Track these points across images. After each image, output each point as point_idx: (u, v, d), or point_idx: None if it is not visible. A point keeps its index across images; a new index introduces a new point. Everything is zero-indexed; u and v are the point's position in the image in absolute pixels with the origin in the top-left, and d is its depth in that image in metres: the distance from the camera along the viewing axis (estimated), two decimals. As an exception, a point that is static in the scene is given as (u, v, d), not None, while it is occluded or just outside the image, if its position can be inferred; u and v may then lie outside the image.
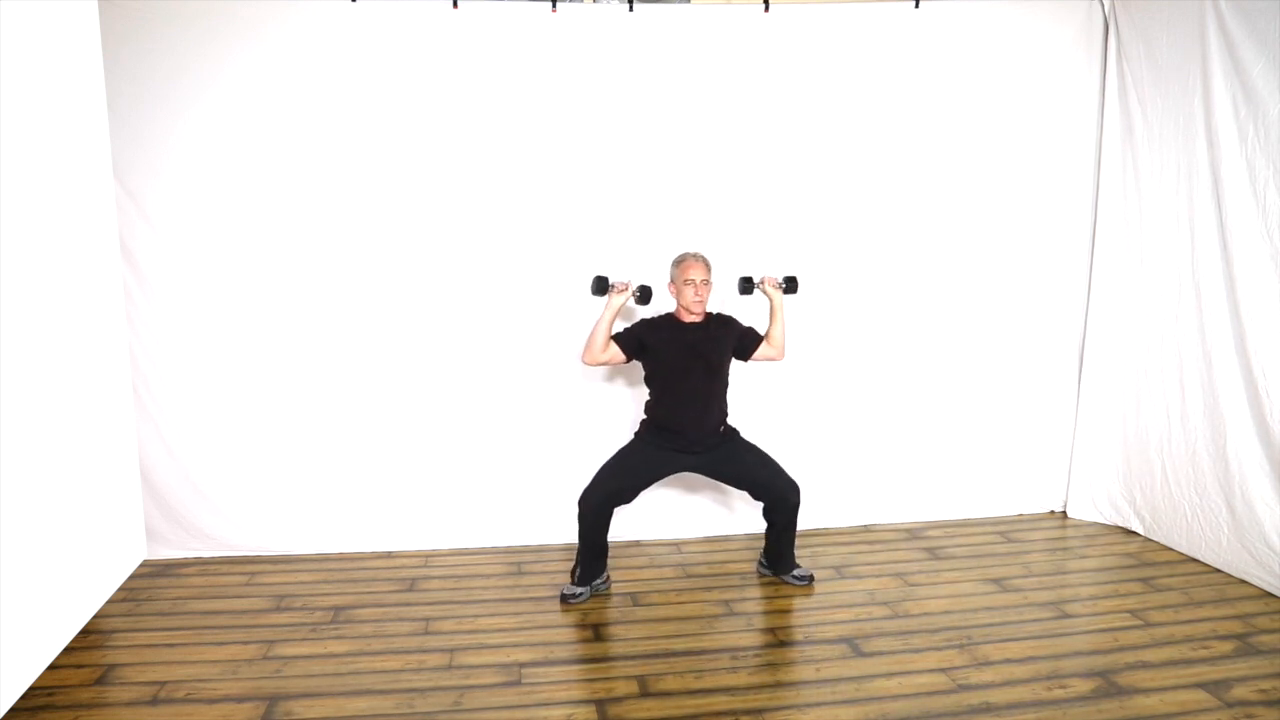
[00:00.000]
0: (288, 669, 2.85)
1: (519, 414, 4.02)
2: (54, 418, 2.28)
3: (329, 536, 3.93)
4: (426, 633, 3.12)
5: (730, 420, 3.54)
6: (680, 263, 3.43)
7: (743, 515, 4.08)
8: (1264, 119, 3.29)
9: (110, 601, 3.17)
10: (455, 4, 3.78)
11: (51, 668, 2.71)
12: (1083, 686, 2.68)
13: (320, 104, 3.76)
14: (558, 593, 3.43)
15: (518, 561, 3.83)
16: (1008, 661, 2.85)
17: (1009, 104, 4.12)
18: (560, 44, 3.86)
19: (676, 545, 4.02)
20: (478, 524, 4.01)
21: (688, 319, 3.42)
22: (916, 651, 2.93)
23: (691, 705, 2.60)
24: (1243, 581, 3.43)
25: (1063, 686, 2.68)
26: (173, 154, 3.69)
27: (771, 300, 3.53)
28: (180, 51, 3.64)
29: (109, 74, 2.97)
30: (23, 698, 2.50)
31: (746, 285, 3.56)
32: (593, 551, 3.40)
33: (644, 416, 3.52)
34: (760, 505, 3.52)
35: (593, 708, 2.59)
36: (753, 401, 3.85)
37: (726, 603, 3.38)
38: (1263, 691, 2.61)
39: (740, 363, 3.56)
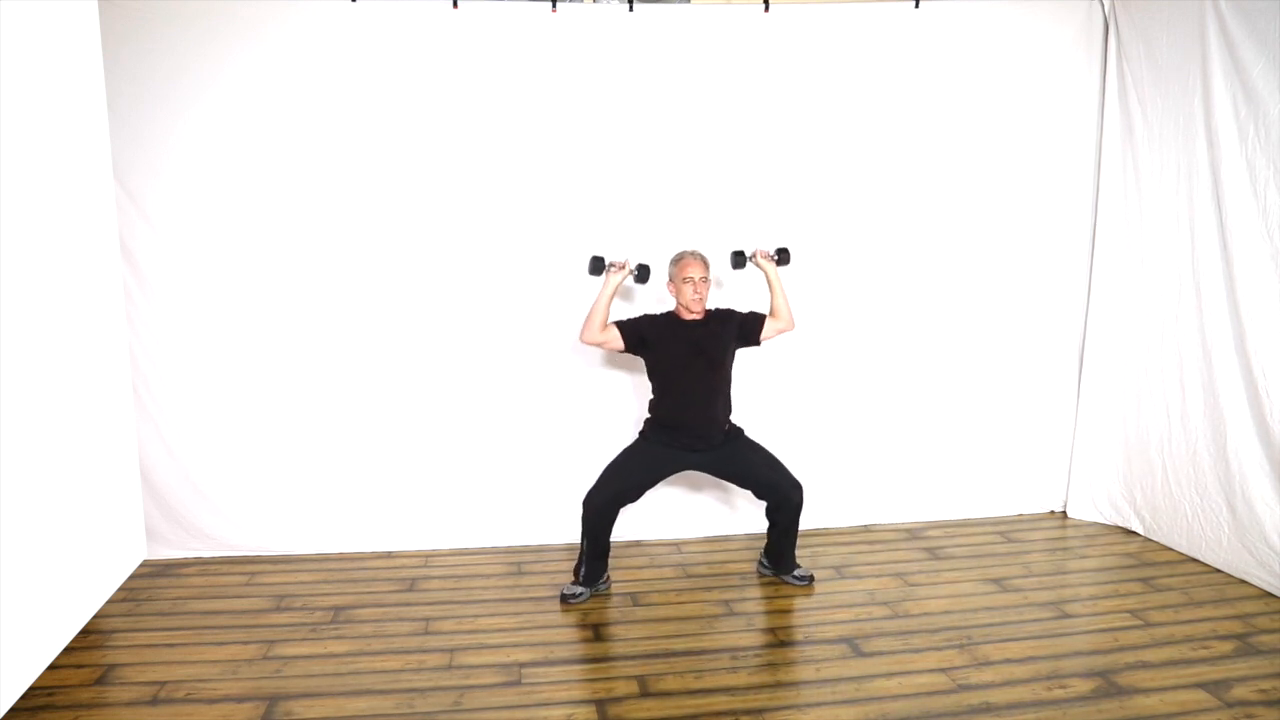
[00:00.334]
0: (288, 669, 2.85)
1: (519, 413, 4.02)
2: (54, 418, 2.28)
3: (329, 536, 3.93)
4: (426, 633, 3.12)
5: (733, 419, 3.54)
6: (678, 261, 3.43)
7: (743, 515, 4.08)
8: (1264, 119, 3.29)
9: (110, 601, 3.17)
10: (455, 4, 3.78)
11: (51, 668, 2.70)
12: (1083, 686, 2.68)
13: (320, 104, 3.76)
14: (558, 593, 3.43)
15: (518, 561, 3.83)
16: (1008, 661, 2.85)
17: (1009, 104, 4.12)
18: (560, 44, 3.86)
19: (677, 545, 4.02)
20: (478, 524, 4.01)
21: (688, 317, 3.42)
22: (916, 651, 2.93)
23: (691, 705, 2.60)
24: (1243, 581, 3.43)
25: (1063, 686, 2.68)
26: (173, 154, 3.69)
27: (766, 272, 3.51)
28: (180, 51, 3.64)
29: (109, 74, 2.97)
30: (23, 698, 2.50)
31: (739, 259, 3.54)
32: (596, 552, 3.40)
33: (648, 415, 3.52)
34: (763, 505, 3.52)
35: (593, 708, 2.59)
36: (754, 401, 3.85)
37: (726, 603, 3.38)
38: (1263, 691, 2.61)
39: (750, 350, 3.54)
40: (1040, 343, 4.31)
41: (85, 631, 2.88)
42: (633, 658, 2.93)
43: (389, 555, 3.90)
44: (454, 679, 2.77)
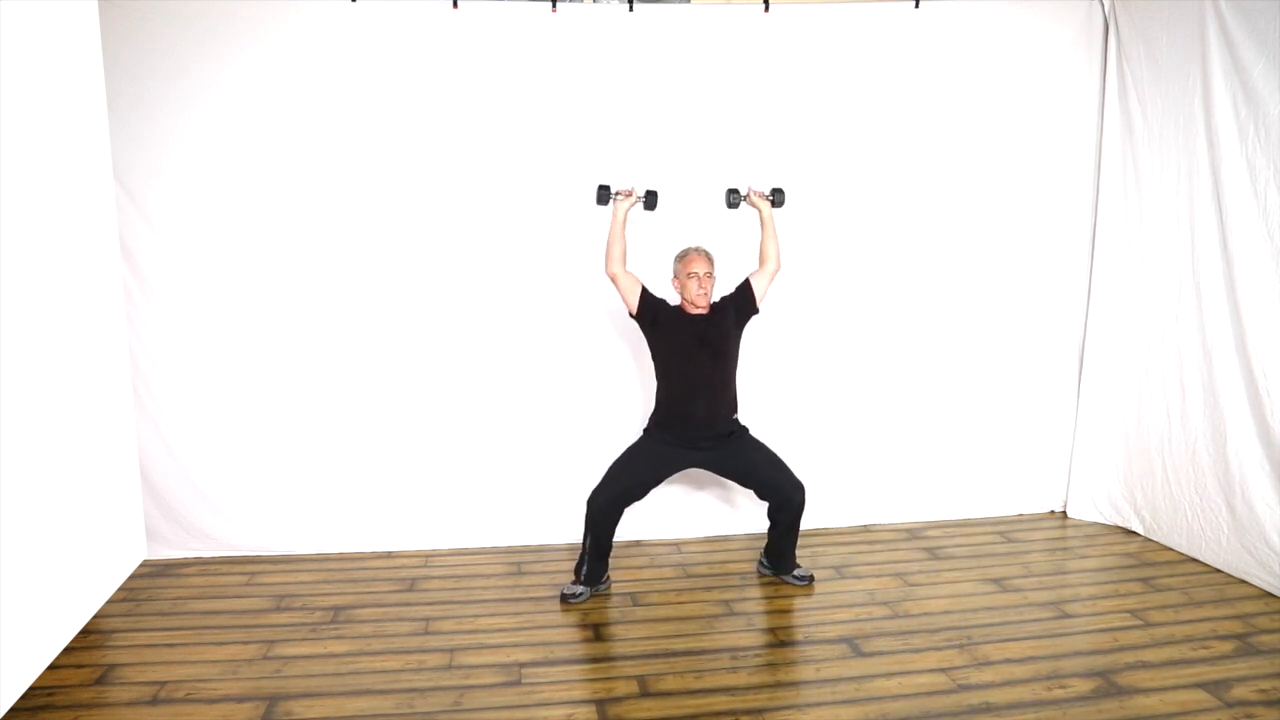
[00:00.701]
0: (288, 669, 2.85)
1: (519, 413, 4.02)
2: (54, 418, 2.28)
3: (329, 536, 3.93)
4: (426, 633, 3.12)
5: (738, 417, 3.53)
6: (682, 257, 3.43)
7: (744, 514, 4.08)
8: (1264, 119, 3.29)
9: (110, 601, 3.17)
10: (455, 4, 3.78)
11: (51, 668, 2.70)
12: (1083, 686, 2.68)
13: (320, 104, 3.76)
14: (558, 593, 3.43)
15: (518, 561, 3.83)
16: (1008, 661, 2.85)
17: (1009, 104, 4.12)
18: (560, 44, 3.86)
19: (677, 545, 4.02)
20: (478, 524, 4.01)
21: (693, 312, 3.42)
22: (916, 651, 2.93)
23: (691, 705, 2.60)
24: (1243, 581, 3.43)
25: (1063, 686, 2.68)
26: (173, 154, 3.70)
27: (760, 211, 3.49)
28: (180, 51, 3.64)
29: (109, 74, 2.97)
30: (23, 698, 2.50)
31: (734, 197, 3.50)
32: (598, 551, 3.40)
33: (652, 413, 3.51)
34: (764, 505, 3.51)
35: (593, 708, 2.59)
36: (754, 401, 3.85)
37: (726, 603, 3.38)
38: (1263, 691, 2.61)
39: (750, 350, 3.52)
40: (1040, 343, 4.31)
41: (85, 631, 2.88)
42: (633, 658, 2.93)
43: (389, 555, 3.90)
44: (454, 679, 2.77)
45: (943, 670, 2.79)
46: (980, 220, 4.19)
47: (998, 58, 4.09)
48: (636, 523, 3.95)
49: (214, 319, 3.80)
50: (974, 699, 2.61)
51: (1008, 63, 4.10)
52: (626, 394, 4.04)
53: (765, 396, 3.99)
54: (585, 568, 3.41)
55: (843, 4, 3.99)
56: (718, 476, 3.70)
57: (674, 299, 3.51)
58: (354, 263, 3.86)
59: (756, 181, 3.60)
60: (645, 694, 2.67)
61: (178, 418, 3.81)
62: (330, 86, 3.76)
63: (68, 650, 2.73)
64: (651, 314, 3.41)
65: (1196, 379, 3.66)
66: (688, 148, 3.96)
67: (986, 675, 2.75)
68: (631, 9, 3.89)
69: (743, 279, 3.48)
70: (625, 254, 3.39)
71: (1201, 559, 3.66)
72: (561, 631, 3.15)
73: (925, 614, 3.23)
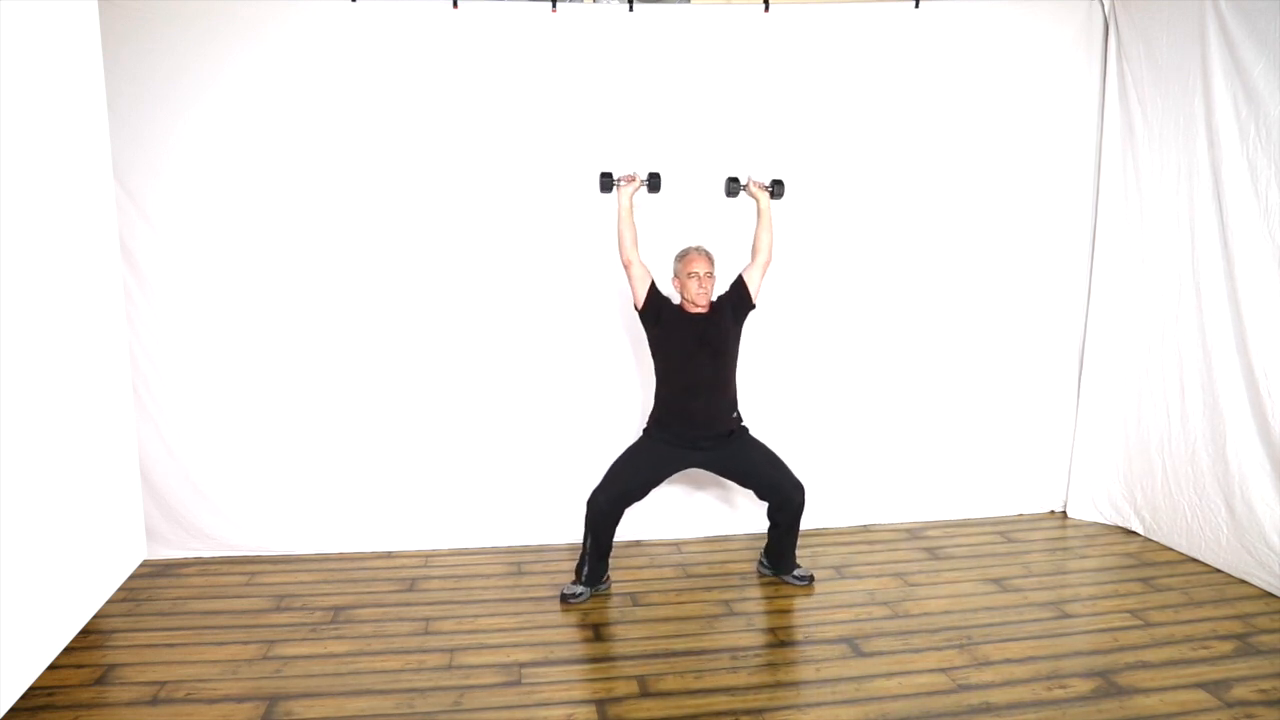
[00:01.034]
0: (288, 669, 2.85)
1: (519, 413, 4.02)
2: (54, 418, 2.28)
3: (329, 536, 3.93)
4: (426, 633, 3.12)
5: (739, 416, 3.53)
6: (683, 257, 3.43)
7: (744, 515, 4.08)
8: (1265, 119, 3.29)
9: (110, 601, 3.17)
10: (455, 4, 3.78)
11: (51, 668, 2.70)
12: (1083, 686, 2.68)
13: (320, 104, 3.76)
14: (558, 593, 3.43)
15: (518, 561, 3.83)
16: (1008, 661, 2.85)
17: (1009, 104, 4.12)
18: (560, 44, 3.86)
19: (677, 545, 4.02)
20: (478, 524, 4.01)
21: (694, 311, 3.42)
22: (916, 651, 2.93)
23: (691, 705, 2.60)
24: (1243, 581, 3.43)
25: (1063, 686, 2.68)
26: (173, 154, 3.70)
27: (758, 202, 3.48)
28: (180, 51, 3.64)
29: (109, 74, 2.97)
30: (23, 698, 2.50)
31: (733, 186, 3.49)
32: (599, 551, 3.40)
33: (652, 412, 3.51)
34: (764, 505, 3.51)
35: (593, 708, 2.59)
36: (755, 401, 3.85)
37: (726, 603, 3.38)
38: (1263, 691, 2.61)
39: (750, 350, 3.52)
40: (1040, 343, 4.31)
41: (85, 631, 2.88)
42: (633, 658, 2.93)
43: (389, 555, 3.90)
44: (454, 679, 2.77)
45: (943, 670, 2.79)
46: (980, 220, 4.19)
47: (998, 58, 4.09)
48: (636, 523, 3.95)
49: (214, 319, 3.80)
50: (974, 699, 2.61)
51: (1008, 63, 4.10)
52: (626, 394, 4.04)
53: (765, 396, 3.99)
54: (585, 568, 3.41)
55: (843, 4, 3.99)
56: (718, 476, 3.70)
57: (676, 298, 3.52)
58: (354, 263, 3.86)
59: (757, 173, 3.60)
60: (645, 694, 2.67)
61: (178, 418, 3.81)
62: (330, 86, 3.76)
63: (68, 650, 2.73)
64: (655, 311, 3.41)
65: (1196, 379, 3.66)
66: (688, 148, 3.96)
67: (986, 675, 2.75)
68: (631, 9, 3.89)
69: (735, 276, 3.48)
70: (636, 239, 3.38)
71: (1201, 559, 3.66)
72: (561, 631, 3.15)
73: (925, 614, 3.23)
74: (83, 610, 2.54)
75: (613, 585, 3.53)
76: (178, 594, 3.48)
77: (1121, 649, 2.92)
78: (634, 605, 3.36)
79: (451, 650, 2.97)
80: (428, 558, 3.87)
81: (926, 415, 4.26)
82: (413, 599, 3.43)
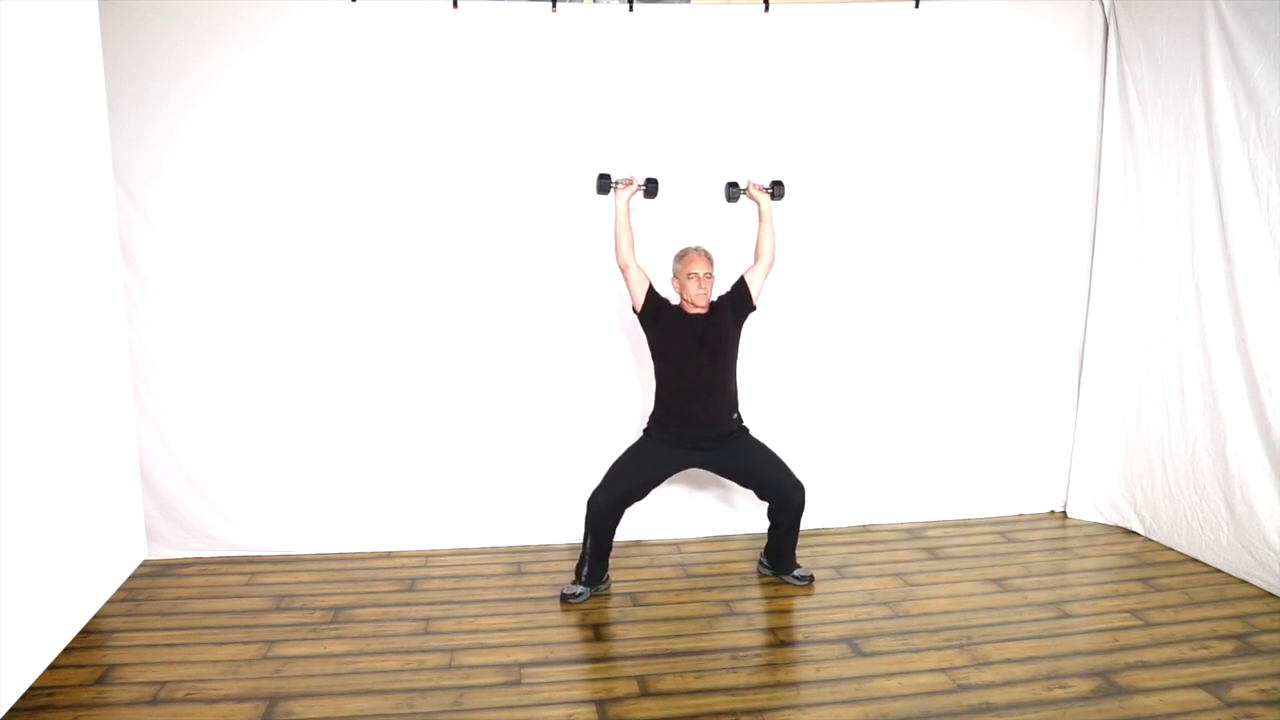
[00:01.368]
0: (288, 669, 2.85)
1: (519, 413, 4.02)
2: (54, 418, 2.28)
3: (329, 536, 3.93)
4: (426, 633, 3.12)
5: (739, 416, 3.53)
6: (682, 257, 3.43)
7: (744, 514, 4.08)
8: (1266, 119, 3.28)
9: (110, 601, 3.17)
10: (455, 4, 3.78)
11: (51, 668, 2.70)
12: (1083, 686, 2.68)
13: (320, 104, 3.76)
14: (558, 593, 3.43)
15: (518, 561, 3.83)
16: (1008, 661, 2.85)
17: (1009, 104, 4.12)
18: (560, 44, 3.86)
19: (677, 545, 4.02)
20: (478, 524, 4.01)
21: (693, 311, 3.42)
22: (916, 651, 2.93)
23: (691, 705, 2.60)
24: (1243, 581, 3.43)
25: (1063, 686, 2.68)
26: (173, 154, 3.70)
27: (759, 205, 3.48)
28: (180, 51, 3.64)
29: (109, 74, 2.97)
30: (23, 698, 2.50)
31: (733, 191, 3.50)
32: (599, 551, 3.40)
33: (652, 413, 3.51)
34: (764, 505, 3.51)
35: (593, 708, 2.59)
36: (755, 401, 3.84)
37: (726, 603, 3.38)
38: (1263, 691, 2.61)
39: (750, 350, 3.51)
40: (1040, 343, 4.30)
41: (85, 631, 2.88)
42: (633, 658, 2.93)
43: (389, 555, 3.90)
44: (454, 679, 2.77)
45: (943, 670, 2.79)
46: (980, 220, 4.18)
47: (998, 58, 4.09)
48: (636, 523, 3.95)
49: (214, 319, 3.80)
50: (974, 699, 2.61)
51: (1008, 63, 4.10)
52: (626, 394, 4.04)
53: (765, 396, 3.99)
54: (586, 568, 3.41)
55: (843, 4, 3.99)
56: (718, 476, 3.70)
57: (675, 299, 3.52)
58: (354, 263, 3.86)
59: (756, 175, 3.60)
60: (645, 694, 2.67)
61: (178, 418, 3.81)
62: (330, 86, 3.76)
63: (68, 650, 2.73)
64: (654, 313, 3.41)
65: (1196, 379, 3.66)
66: (688, 148, 3.96)
67: (986, 675, 2.75)
68: (631, 9, 3.89)
69: (738, 276, 3.48)
70: (633, 243, 3.38)
71: (1201, 559, 3.66)
72: (561, 631, 3.15)
73: (925, 614, 3.23)
74: (83, 610, 2.54)
75: (613, 585, 3.53)
76: (178, 594, 3.48)
77: (1121, 649, 2.92)
78: (634, 605, 3.36)
79: (451, 650, 2.97)
80: (428, 558, 3.87)
81: (926, 415, 4.26)
82: (413, 599, 3.43)
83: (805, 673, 2.84)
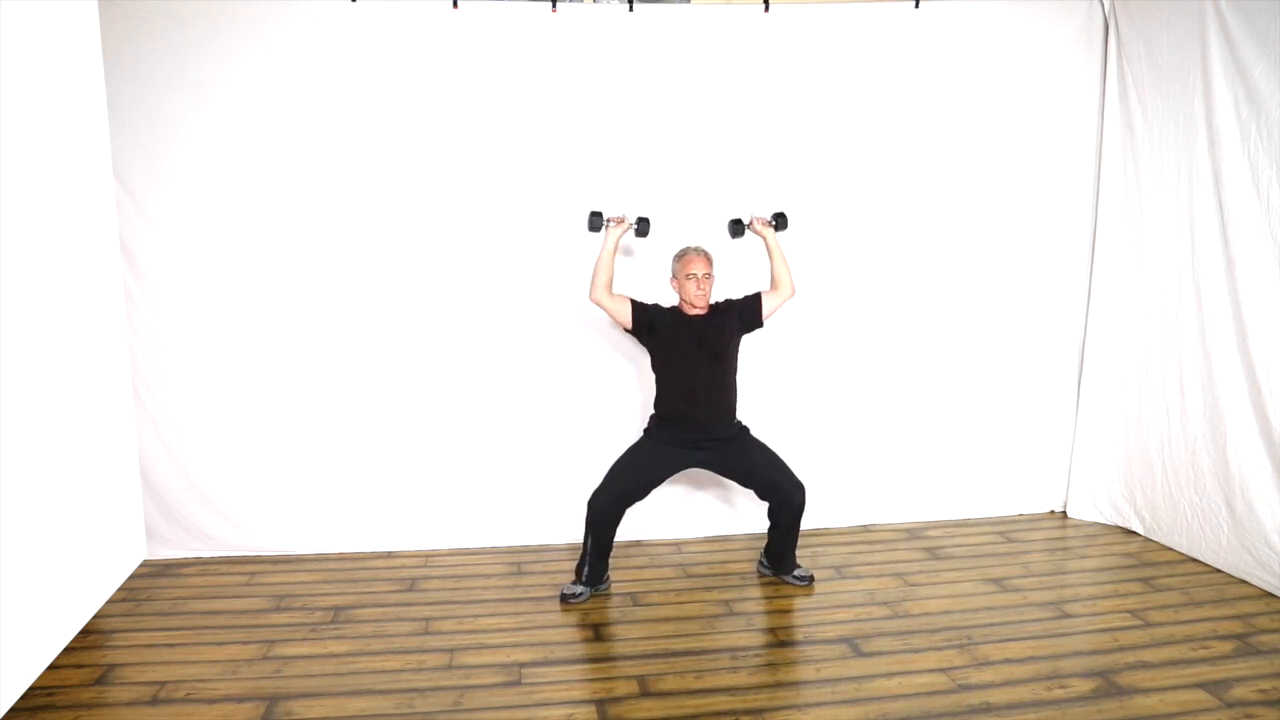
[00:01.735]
0: (288, 669, 2.85)
1: (519, 413, 4.02)
2: (54, 418, 2.28)
3: (329, 536, 3.93)
4: (426, 633, 3.12)
5: (739, 418, 3.53)
6: (681, 257, 3.43)
7: (744, 514, 4.08)
8: (1266, 119, 3.28)
9: (110, 601, 3.17)
10: (455, 4, 3.78)
11: (51, 668, 2.70)
12: (1083, 686, 2.68)
13: (320, 104, 3.76)
14: (558, 593, 3.43)
15: (518, 561, 3.83)
16: (1008, 661, 2.85)
17: (1009, 104, 4.12)
18: (560, 44, 3.86)
19: (677, 545, 4.02)
20: (478, 524, 4.01)
21: (692, 312, 3.42)
22: (916, 651, 2.93)
23: (691, 705, 2.60)
24: (1243, 581, 3.43)
25: (1063, 686, 2.68)
26: (173, 154, 3.70)
27: (765, 239, 3.49)
28: (180, 51, 3.64)
29: (109, 74, 2.97)
30: (23, 698, 2.50)
31: (737, 228, 3.52)
32: (599, 551, 3.40)
33: (652, 412, 3.51)
34: (764, 505, 3.51)
35: (593, 708, 2.59)
36: (755, 401, 3.85)
37: (726, 603, 3.38)
38: (1263, 691, 2.61)
39: (750, 350, 3.52)
40: (1040, 343, 4.30)
41: (85, 631, 2.88)
42: (633, 658, 2.93)
43: (389, 555, 3.90)
44: (454, 679, 2.77)
45: (943, 670, 2.79)
46: (980, 221, 4.18)
47: (998, 58, 4.09)
48: (636, 523, 3.95)
49: (214, 319, 3.80)
50: (974, 699, 2.61)
51: (1008, 63, 4.10)
52: (626, 394, 4.04)
53: (766, 396, 3.99)
54: (586, 568, 3.41)
55: (843, 4, 3.99)
56: (718, 476, 3.70)
57: (666, 300, 3.51)
58: (354, 262, 3.86)
59: (758, 208, 3.61)
60: (645, 694, 2.67)
61: (178, 418, 3.81)
62: (330, 86, 3.76)
63: (68, 650, 2.73)
64: (647, 324, 3.41)
65: (1197, 379, 3.66)
66: (688, 147, 3.96)
67: (986, 675, 2.75)
68: (631, 9, 3.89)
69: (755, 294, 3.48)
70: (611, 281, 3.38)
71: (1201, 559, 3.66)
72: (561, 631, 3.15)
73: (925, 614, 3.23)
74: (83, 610, 2.54)
75: (613, 585, 3.53)
76: (178, 594, 3.48)
77: (1121, 649, 2.92)
78: (634, 605, 3.36)
79: (451, 650, 2.97)
80: (428, 558, 3.87)
81: (926, 415, 4.26)
82: (413, 599, 3.43)
83: (805, 673, 2.84)
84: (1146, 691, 2.63)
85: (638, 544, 4.00)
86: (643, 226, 3.46)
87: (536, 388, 4.02)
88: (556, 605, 3.35)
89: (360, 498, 3.95)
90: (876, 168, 4.09)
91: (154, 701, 2.65)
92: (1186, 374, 3.70)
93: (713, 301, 3.51)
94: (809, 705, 2.60)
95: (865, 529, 4.21)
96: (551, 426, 4.04)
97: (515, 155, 3.89)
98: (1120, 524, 4.13)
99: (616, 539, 3.45)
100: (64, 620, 2.42)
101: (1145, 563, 3.71)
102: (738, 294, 3.53)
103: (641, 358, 3.80)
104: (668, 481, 3.59)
